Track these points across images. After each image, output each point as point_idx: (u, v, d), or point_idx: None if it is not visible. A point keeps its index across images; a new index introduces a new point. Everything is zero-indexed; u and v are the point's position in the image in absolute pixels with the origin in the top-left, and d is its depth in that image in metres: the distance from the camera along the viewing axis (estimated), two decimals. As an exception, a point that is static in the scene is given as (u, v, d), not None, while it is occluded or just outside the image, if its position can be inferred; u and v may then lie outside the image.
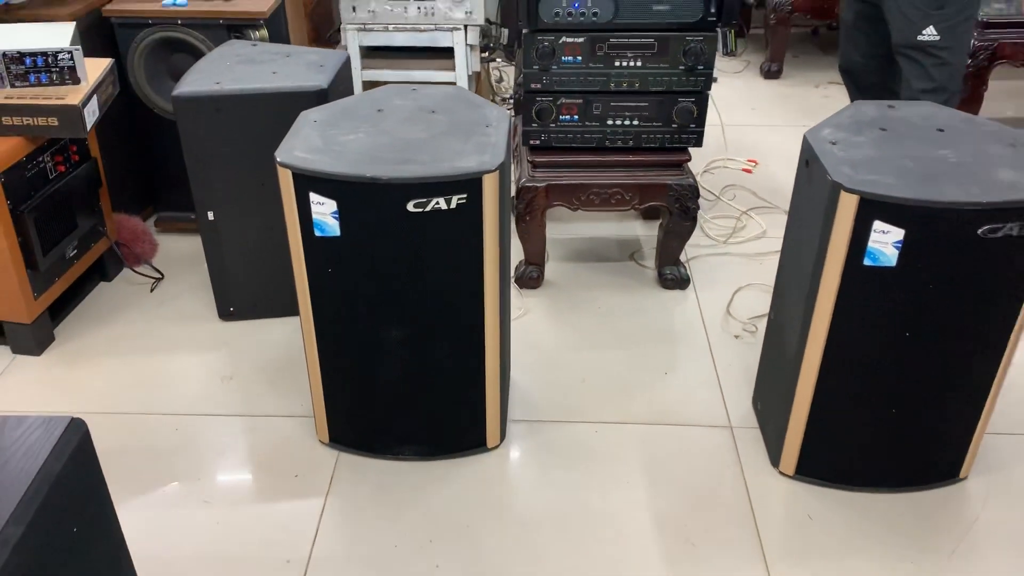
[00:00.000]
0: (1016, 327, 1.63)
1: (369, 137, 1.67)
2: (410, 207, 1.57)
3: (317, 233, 1.63)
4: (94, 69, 2.16)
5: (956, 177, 1.53)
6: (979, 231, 1.49)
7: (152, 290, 2.48)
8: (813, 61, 4.19)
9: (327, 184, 1.57)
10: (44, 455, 1.16)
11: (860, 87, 2.58)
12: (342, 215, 1.60)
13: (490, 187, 1.58)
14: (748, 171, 3.10)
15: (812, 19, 4.05)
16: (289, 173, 1.59)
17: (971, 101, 2.92)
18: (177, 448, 1.94)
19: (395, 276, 1.67)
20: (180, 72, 2.47)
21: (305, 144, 1.65)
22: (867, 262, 1.55)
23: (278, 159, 1.60)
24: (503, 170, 1.60)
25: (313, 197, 1.59)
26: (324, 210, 1.60)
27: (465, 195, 1.57)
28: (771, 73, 3.94)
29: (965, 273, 1.55)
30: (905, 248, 1.52)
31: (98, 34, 2.44)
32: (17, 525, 1.04)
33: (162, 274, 2.52)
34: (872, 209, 1.50)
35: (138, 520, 1.74)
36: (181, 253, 2.63)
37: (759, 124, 3.50)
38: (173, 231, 2.74)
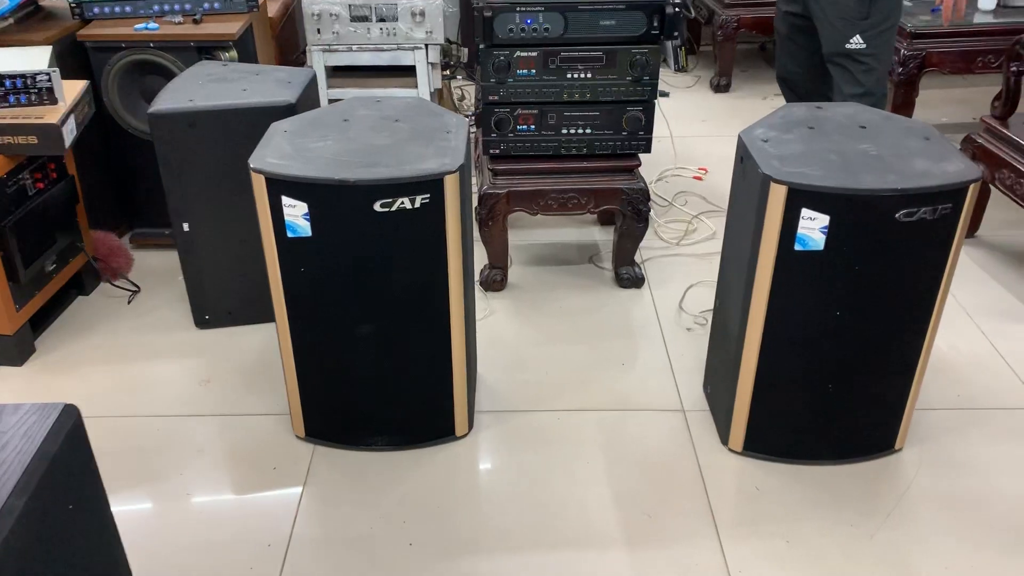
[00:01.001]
0: (936, 304, 1.78)
1: (337, 144, 1.79)
2: (377, 207, 1.69)
3: (289, 234, 1.74)
4: (71, 90, 2.26)
5: (875, 167, 1.68)
6: (896, 215, 1.64)
7: (129, 302, 2.57)
8: (760, 74, 4.38)
9: (298, 187, 1.69)
10: (41, 437, 1.25)
11: (797, 94, 2.74)
12: (313, 216, 1.71)
13: (451, 187, 1.71)
14: (699, 178, 3.26)
15: (757, 35, 4.25)
16: (262, 178, 1.70)
17: (904, 107, 3.11)
18: (159, 447, 2.03)
19: (364, 273, 1.79)
20: (152, 93, 2.58)
21: (276, 151, 1.76)
22: (797, 247, 1.70)
23: (251, 165, 1.71)
24: (463, 171, 1.73)
25: (285, 200, 1.71)
26: (295, 212, 1.72)
27: (428, 195, 1.70)
28: (720, 87, 4.13)
29: (887, 254, 1.70)
30: (831, 233, 1.67)
31: (73, 58, 2.54)
32: (19, 497, 1.14)
33: (138, 287, 2.61)
34: (799, 198, 1.65)
35: (124, 513, 1.82)
36: (156, 267, 2.72)
37: (709, 135, 3.67)
38: (148, 246, 2.83)
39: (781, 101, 3.98)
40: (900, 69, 3.06)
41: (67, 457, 1.31)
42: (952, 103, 3.88)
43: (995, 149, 2.61)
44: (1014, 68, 2.56)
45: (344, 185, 1.67)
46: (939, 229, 1.69)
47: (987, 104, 2.73)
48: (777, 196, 1.66)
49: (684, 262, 2.75)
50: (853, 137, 1.80)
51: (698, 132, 3.68)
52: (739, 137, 1.84)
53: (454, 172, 1.70)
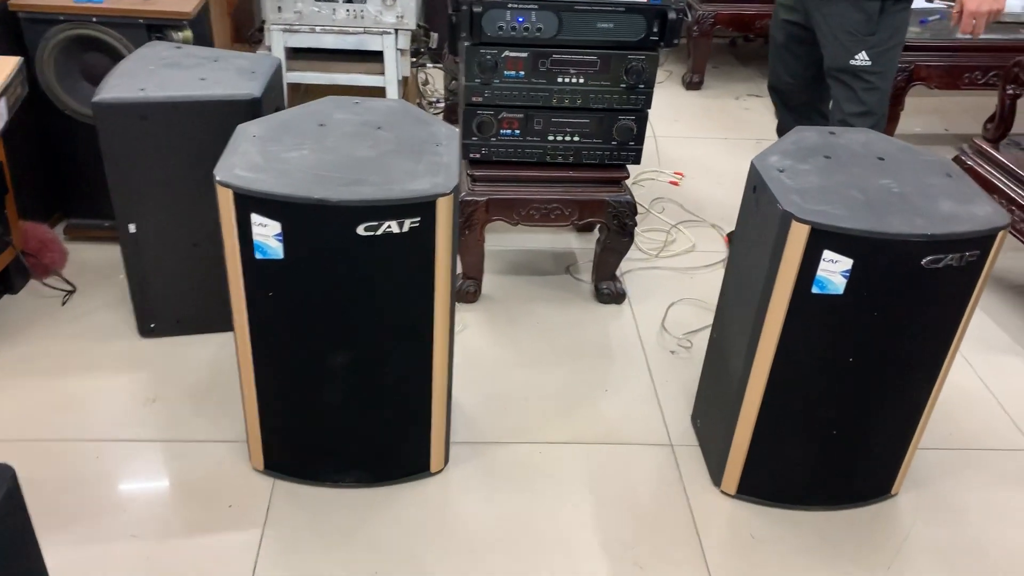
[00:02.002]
0: (950, 351, 1.69)
1: (313, 154, 1.60)
2: (360, 230, 1.51)
3: (258, 255, 1.55)
4: (2, 69, 2.00)
5: (901, 208, 1.57)
6: (923, 261, 1.53)
7: (64, 304, 2.32)
8: (732, 72, 4.27)
9: (270, 205, 1.50)
10: (-31, 508, 1.06)
11: (788, 106, 2.63)
12: (286, 237, 1.52)
13: (444, 210, 1.54)
14: (675, 183, 3.14)
15: (733, 31, 4.14)
16: (230, 193, 1.50)
17: (889, 120, 3.02)
18: (99, 477, 1.82)
19: (341, 300, 1.61)
20: (94, 72, 2.34)
21: (245, 161, 1.56)
22: (815, 290, 1.58)
23: (217, 178, 1.51)
24: (457, 192, 1.56)
25: (255, 218, 1.51)
26: (267, 232, 1.52)
27: (419, 219, 1.52)
28: (692, 84, 4.00)
29: (908, 301, 1.59)
30: (852, 277, 1.55)
31: (3, 30, 2.27)
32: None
33: (74, 287, 2.37)
34: (822, 239, 1.53)
35: (61, 558, 1.62)
36: (94, 263, 2.48)
37: (683, 136, 3.55)
38: (84, 239, 2.57)
39: (755, 102, 3.90)
40: (887, 82, 2.97)
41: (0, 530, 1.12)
42: (925, 113, 3.83)
43: (985, 173, 2.55)
44: (1010, 90, 2.48)
45: (324, 205, 1.48)
46: (963, 276, 1.59)
47: (960, 116, 2.65)
48: (798, 236, 1.54)
49: (664, 276, 2.62)
50: (872, 170, 1.69)
51: (672, 132, 3.55)
52: (752, 165, 1.71)
53: (448, 194, 1.53)
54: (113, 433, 1.93)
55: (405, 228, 1.53)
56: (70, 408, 1.99)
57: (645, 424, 2.06)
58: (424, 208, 1.52)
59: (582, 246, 2.73)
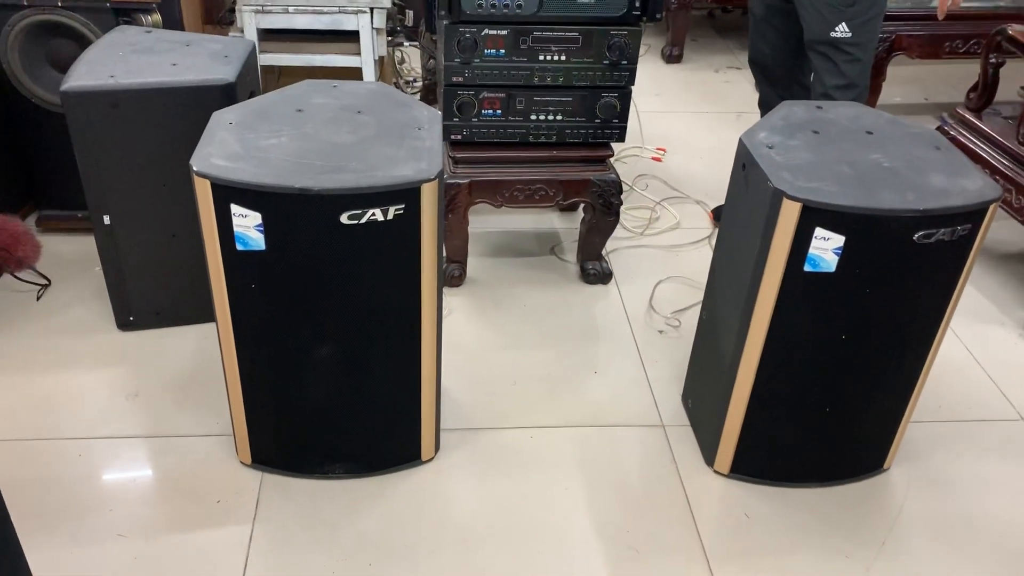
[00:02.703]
0: (942, 323, 1.68)
1: (293, 142, 1.56)
2: (344, 219, 1.47)
3: (239, 247, 1.51)
4: (-36, 57, 1.94)
5: (892, 183, 1.55)
6: (915, 237, 1.52)
7: (39, 298, 2.27)
8: (711, 44, 4.24)
9: (250, 195, 1.45)
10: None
11: (769, 79, 2.60)
12: (267, 228, 1.48)
13: (429, 196, 1.50)
14: (658, 159, 3.11)
15: (711, 3, 4.10)
16: (208, 183, 1.45)
17: (871, 91, 3.01)
18: (83, 477, 1.78)
19: (326, 290, 1.57)
20: (60, 59, 2.27)
21: (223, 150, 1.52)
22: (807, 268, 1.56)
23: (194, 168, 1.46)
24: (441, 177, 1.52)
25: (235, 209, 1.47)
26: (247, 223, 1.48)
27: (403, 206, 1.49)
28: (672, 57, 3.96)
29: (900, 277, 1.58)
30: (844, 254, 1.53)
31: (-36, 15, 2.19)
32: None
33: (49, 280, 2.31)
34: (814, 216, 1.51)
35: (46, 560, 1.59)
36: (68, 255, 2.42)
37: (664, 111, 3.51)
38: (57, 231, 2.51)
39: (734, 74, 3.87)
40: (868, 52, 2.94)
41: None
42: (904, 82, 3.82)
43: (968, 143, 2.54)
44: (993, 59, 2.47)
45: (306, 194, 1.44)
46: (954, 251, 1.57)
47: (938, 84, 2.64)
48: (789, 213, 1.51)
49: (650, 255, 2.60)
50: (861, 145, 1.67)
51: (653, 107, 3.51)
52: (740, 141, 1.68)
53: (432, 180, 1.49)
54: (95, 430, 1.89)
55: (390, 216, 1.49)
56: (49, 406, 1.94)
57: (635, 405, 2.04)
58: (408, 195, 1.48)
59: (566, 226, 2.70)
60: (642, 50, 4.09)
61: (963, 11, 2.97)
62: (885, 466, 1.90)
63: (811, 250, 1.54)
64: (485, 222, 2.69)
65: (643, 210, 2.80)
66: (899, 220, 1.50)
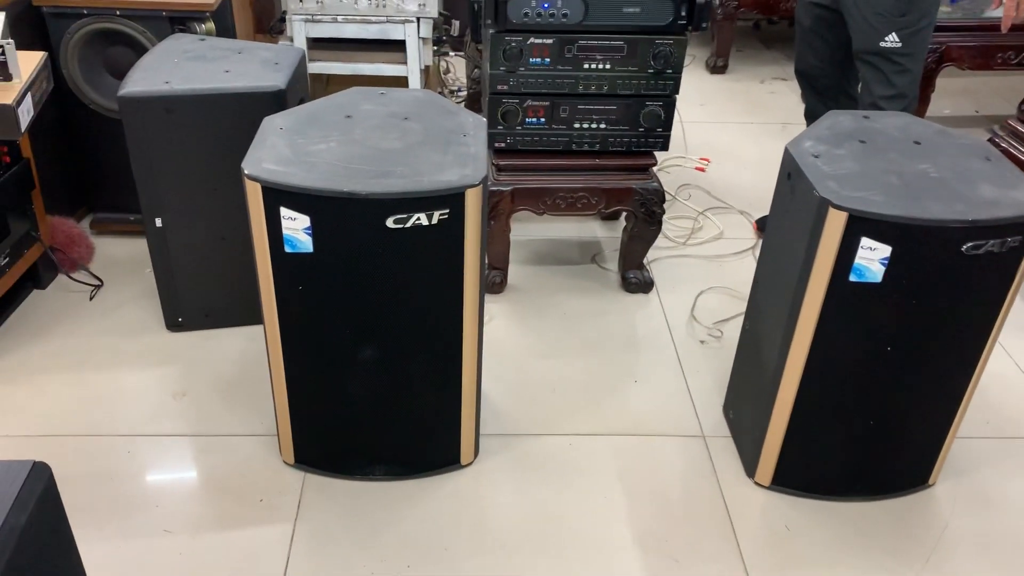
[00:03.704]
0: (990, 339, 1.65)
1: (341, 147, 1.58)
2: (389, 223, 1.49)
3: (287, 249, 1.54)
4: (27, 64, 2.00)
5: (940, 193, 1.53)
6: (963, 248, 1.50)
7: (91, 298, 2.33)
8: (756, 55, 4.21)
9: (300, 199, 1.48)
10: (7, 507, 1.06)
11: (816, 89, 2.58)
12: (315, 231, 1.51)
13: (473, 202, 1.52)
14: (701, 169, 3.10)
15: (757, 14, 4.08)
16: (258, 187, 1.49)
17: (920, 102, 2.97)
18: (132, 473, 1.82)
19: (371, 293, 1.59)
20: (118, 66, 2.33)
21: (273, 155, 1.55)
22: (853, 278, 1.55)
23: (245, 171, 1.50)
24: (485, 183, 1.54)
25: (284, 212, 1.50)
26: (296, 225, 1.51)
27: (447, 210, 1.51)
28: (717, 68, 3.95)
29: (947, 288, 1.56)
30: (891, 264, 1.52)
31: (28, 25, 2.26)
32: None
33: (101, 281, 2.37)
34: (860, 226, 1.49)
35: (95, 553, 1.62)
36: (120, 257, 2.49)
37: (709, 121, 3.50)
38: (110, 233, 2.58)
39: (779, 85, 3.85)
40: (917, 63, 2.91)
41: (37, 528, 1.11)
42: (954, 95, 3.76)
43: (1020, 155, 2.49)
44: (1047, 71, 2.42)
45: (353, 198, 1.47)
46: (1004, 263, 1.55)
47: (990, 97, 2.60)
48: (835, 223, 1.50)
49: (692, 264, 2.59)
50: (909, 155, 1.65)
51: (697, 117, 3.50)
52: (786, 150, 1.67)
53: (477, 185, 1.51)
54: (144, 428, 1.93)
55: (434, 220, 1.51)
56: (100, 403, 1.99)
57: (676, 415, 2.04)
58: (453, 200, 1.50)
59: (608, 235, 2.70)
60: (687, 61, 4.09)
61: (1014, 22, 2.91)
62: (930, 481, 1.87)
63: (857, 260, 1.53)
64: (527, 230, 2.70)
65: (686, 220, 2.79)
66: (947, 230, 1.48)
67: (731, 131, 3.40)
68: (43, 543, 1.12)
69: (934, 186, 1.55)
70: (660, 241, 2.65)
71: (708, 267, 2.58)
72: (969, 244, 1.50)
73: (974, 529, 1.78)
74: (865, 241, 1.51)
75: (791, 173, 1.65)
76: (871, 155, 1.64)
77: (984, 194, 1.54)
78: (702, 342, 2.28)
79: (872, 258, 1.52)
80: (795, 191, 1.63)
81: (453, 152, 1.59)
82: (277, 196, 1.49)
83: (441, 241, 1.54)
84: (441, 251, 1.56)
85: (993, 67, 2.98)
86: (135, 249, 2.48)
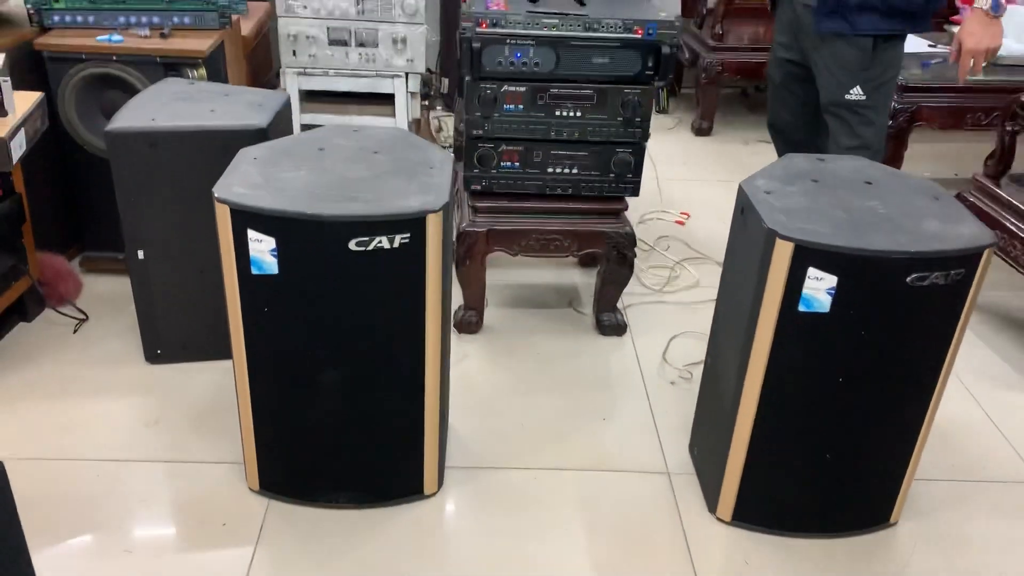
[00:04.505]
0: (943, 371, 1.68)
1: (311, 175, 1.65)
2: (352, 246, 1.55)
3: (254, 271, 1.60)
4: (23, 102, 2.09)
5: (885, 227, 1.58)
6: (908, 279, 1.54)
7: (75, 331, 2.38)
8: (742, 120, 4.33)
9: (266, 221, 1.54)
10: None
11: (788, 143, 2.66)
12: (281, 253, 1.57)
13: (434, 227, 1.58)
14: (681, 223, 3.17)
15: (741, 80, 4.21)
16: (227, 209, 1.55)
17: (893, 161, 3.05)
18: (97, 495, 1.84)
19: (334, 316, 1.64)
20: (113, 109, 2.41)
21: (244, 180, 1.62)
22: (802, 308, 1.59)
23: (216, 195, 1.57)
24: (447, 211, 1.60)
25: (251, 234, 1.56)
26: (262, 247, 1.57)
27: (408, 235, 1.56)
28: (702, 130, 4.06)
29: (895, 319, 1.60)
30: (838, 295, 1.56)
31: (28, 67, 2.37)
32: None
33: (86, 315, 2.43)
34: (806, 256, 1.54)
35: (55, 571, 1.65)
36: (107, 294, 2.54)
37: (691, 179, 3.59)
38: (99, 271, 2.64)
39: (764, 147, 3.93)
40: (890, 122, 3.00)
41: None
42: (934, 158, 3.85)
43: (987, 209, 2.55)
44: (1009, 127, 2.50)
45: (317, 220, 1.53)
46: (950, 296, 1.59)
47: (968, 160, 2.68)
48: (782, 253, 1.55)
49: (667, 310, 2.64)
50: (859, 193, 1.71)
51: (679, 176, 3.59)
52: (740, 187, 1.74)
53: (437, 211, 1.57)
54: (113, 454, 1.96)
55: (395, 244, 1.57)
56: (73, 429, 2.03)
57: (642, 452, 2.05)
58: (414, 224, 1.56)
59: (585, 280, 2.75)
60: (672, 123, 4.23)
61: (986, 84, 3.01)
62: (892, 520, 1.87)
63: (805, 290, 1.57)
64: (507, 275, 2.76)
65: (663, 269, 2.84)
66: (890, 262, 1.53)
67: (713, 188, 3.48)
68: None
69: (880, 221, 1.61)
70: (637, 288, 2.71)
71: (683, 313, 2.62)
72: (914, 276, 1.54)
73: (934, 568, 1.78)
74: (812, 271, 1.55)
75: (744, 208, 1.71)
76: (821, 193, 1.70)
77: (928, 228, 1.59)
78: (672, 383, 2.31)
79: (819, 288, 1.57)
80: (747, 225, 1.68)
81: (418, 182, 1.66)
82: (245, 218, 1.55)
83: (403, 266, 1.60)
84: (403, 276, 1.61)
85: (963, 127, 3.07)
86: (122, 287, 2.52)
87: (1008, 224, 2.48)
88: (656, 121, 4.19)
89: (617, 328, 2.47)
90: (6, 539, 1.20)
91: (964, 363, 2.42)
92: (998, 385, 2.35)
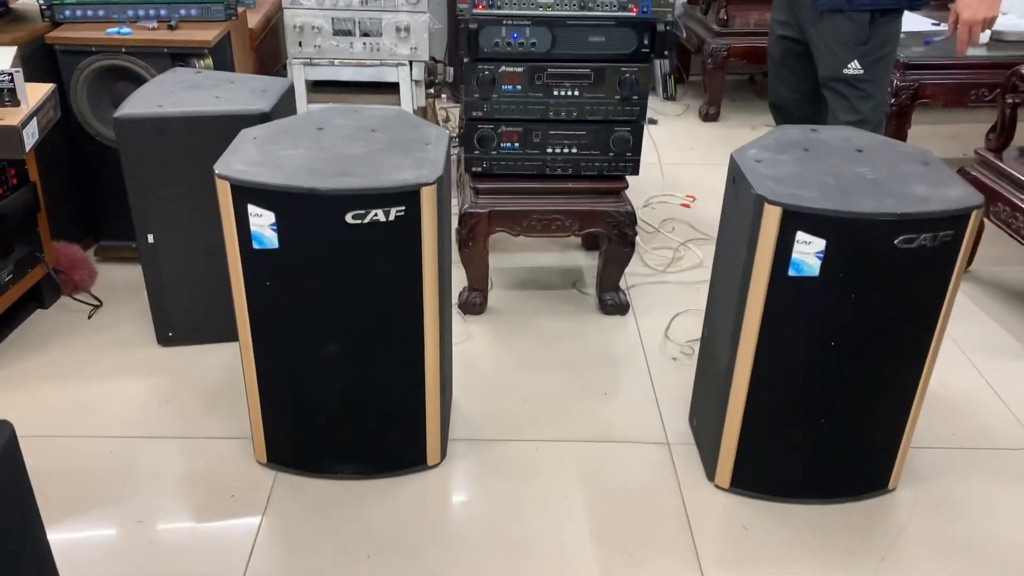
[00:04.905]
0: (935, 334, 1.69)
1: (309, 152, 1.70)
2: (348, 219, 1.59)
3: (255, 246, 1.64)
4: (35, 93, 2.16)
5: (873, 191, 1.60)
6: (895, 241, 1.56)
7: (90, 317, 2.45)
8: (749, 105, 4.34)
9: (265, 196, 1.59)
10: (-34, 455, 1.14)
11: (788, 120, 2.67)
12: (280, 227, 1.61)
13: (428, 200, 1.61)
14: (686, 206, 3.19)
15: (747, 65, 4.22)
16: (227, 185, 1.60)
17: (897, 139, 3.05)
18: (111, 470, 1.90)
19: (333, 289, 1.68)
20: (122, 100, 2.48)
21: (244, 158, 1.67)
22: (791, 273, 1.61)
23: (216, 171, 1.61)
24: (441, 184, 1.64)
25: (251, 209, 1.61)
26: (262, 222, 1.61)
27: (403, 207, 1.60)
28: (709, 116, 4.08)
29: (884, 282, 1.61)
30: (827, 259, 1.58)
31: (41, 61, 2.44)
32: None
33: (100, 301, 2.49)
34: (794, 220, 1.57)
35: (69, 542, 1.70)
36: (121, 281, 2.61)
37: (698, 163, 3.61)
38: (114, 260, 2.71)
39: (770, 131, 3.95)
40: (893, 100, 3.01)
41: None
42: (943, 139, 3.84)
43: (990, 182, 2.55)
44: (1010, 100, 2.50)
45: (314, 194, 1.57)
46: (939, 258, 1.61)
47: (978, 140, 2.68)
48: (771, 218, 1.58)
49: (670, 290, 2.66)
50: (849, 160, 1.73)
51: (686, 160, 3.62)
52: (731, 157, 1.76)
53: (431, 184, 1.61)
54: (127, 431, 2.02)
55: (391, 217, 1.61)
56: (88, 409, 2.09)
57: (643, 424, 2.08)
58: (408, 197, 1.60)
59: (589, 263, 2.78)
60: (680, 110, 4.25)
61: (987, 60, 3.01)
62: (890, 486, 1.89)
63: (794, 255, 1.60)
64: (512, 258, 2.79)
65: (668, 250, 2.87)
66: (878, 224, 1.55)
67: (719, 172, 3.44)
68: (2, 495, 1.20)
69: (869, 185, 1.63)
70: (641, 269, 2.74)
71: (686, 292, 2.64)
72: (901, 238, 1.56)
73: (932, 532, 1.79)
74: (800, 235, 1.58)
75: (735, 178, 1.73)
76: (812, 161, 1.72)
77: (916, 192, 1.61)
78: (674, 359, 2.33)
79: (808, 252, 1.59)
80: (738, 194, 1.71)
81: (413, 157, 1.70)
82: (244, 193, 1.59)
83: (398, 238, 1.64)
84: (399, 249, 1.65)
85: (967, 104, 3.07)
86: (136, 275, 2.57)
87: (1012, 197, 2.48)
88: (664, 107, 4.25)
89: (620, 307, 2.50)
90: (18, 498, 1.25)
91: (967, 335, 2.43)
92: (1000, 355, 2.36)
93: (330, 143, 1.74)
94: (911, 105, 3.04)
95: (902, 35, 3.07)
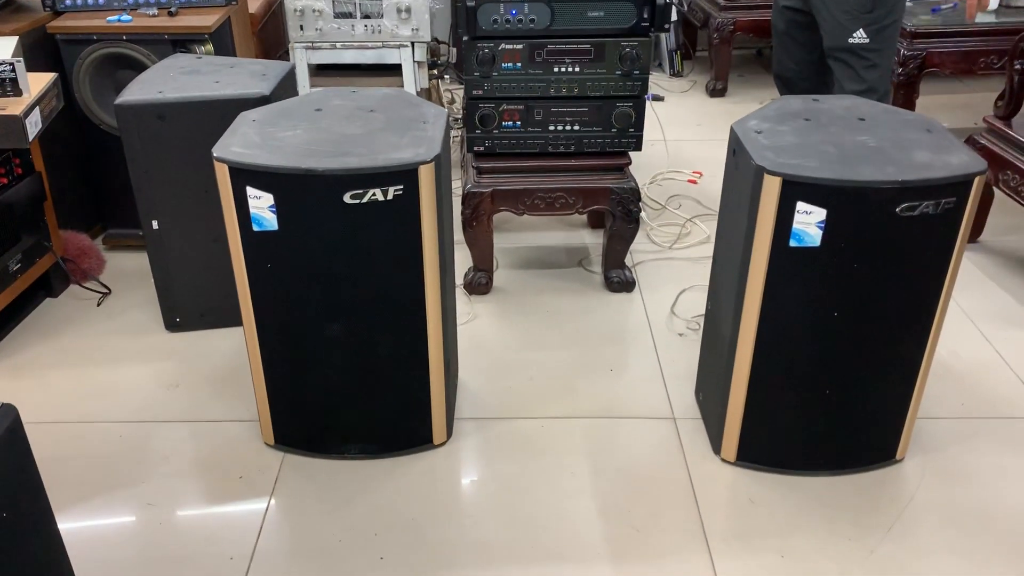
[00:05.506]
0: (939, 305, 1.68)
1: (307, 133, 1.70)
2: (347, 199, 1.59)
3: (255, 228, 1.65)
4: (37, 82, 2.17)
5: (874, 159, 1.59)
6: (897, 209, 1.55)
7: (99, 305, 2.47)
8: (757, 80, 4.30)
9: (263, 177, 1.59)
10: (-30, 439, 1.15)
11: (794, 92, 2.65)
12: (279, 209, 1.62)
13: (426, 178, 1.61)
14: (693, 182, 3.17)
15: (754, 39, 4.18)
16: (226, 168, 1.60)
17: (905, 108, 3.02)
18: (120, 454, 1.92)
19: (334, 269, 1.69)
20: (125, 87, 2.50)
21: (243, 140, 1.67)
22: (793, 243, 1.60)
23: (215, 155, 1.62)
24: (439, 162, 1.63)
25: (250, 191, 1.61)
26: (261, 204, 1.62)
27: (401, 186, 1.60)
28: (716, 91, 4.04)
29: (887, 251, 1.60)
30: (828, 228, 1.57)
31: (43, 51, 2.45)
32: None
33: (109, 289, 2.51)
34: (794, 190, 1.55)
35: (80, 525, 1.73)
36: (129, 268, 2.63)
37: (705, 139, 3.59)
38: (121, 247, 2.73)
39: (778, 106, 3.91)
40: (900, 70, 2.97)
41: (2, 461, 1.20)
42: (954, 108, 3.80)
43: (999, 150, 2.52)
44: (1018, 66, 2.47)
45: (312, 175, 1.57)
46: (942, 225, 1.59)
47: (989, 109, 2.65)
48: (771, 189, 1.57)
49: (677, 266, 2.65)
50: (851, 129, 1.71)
51: (693, 136, 3.59)
52: (731, 129, 1.75)
53: (429, 162, 1.61)
54: (136, 415, 2.04)
55: (389, 196, 1.61)
56: (98, 395, 2.11)
57: (649, 400, 2.08)
58: (407, 176, 1.60)
59: (595, 241, 2.78)
60: (687, 86, 4.22)
61: (996, 26, 2.97)
62: (898, 457, 1.88)
63: (795, 225, 1.58)
64: (517, 237, 2.79)
65: (674, 227, 2.85)
66: (879, 192, 1.53)
67: (725, 147, 3.47)
68: (7, 476, 1.22)
69: (869, 153, 1.61)
70: (647, 245, 2.73)
71: (692, 268, 2.63)
72: (903, 205, 1.55)
73: (940, 502, 1.79)
74: (800, 205, 1.56)
75: (735, 149, 1.72)
76: (813, 130, 1.71)
77: (917, 159, 1.59)
78: (680, 335, 2.33)
79: (809, 222, 1.58)
80: (738, 166, 1.70)
81: (411, 136, 1.69)
82: (243, 176, 1.60)
83: (398, 217, 1.64)
84: (398, 227, 1.65)
85: (975, 72, 3.03)
86: (143, 262, 2.59)
87: (1021, 165, 2.45)
88: (671, 84, 4.22)
89: (626, 284, 2.49)
90: (23, 482, 1.26)
91: (977, 304, 2.41)
92: (1011, 325, 2.34)
93: (328, 124, 1.74)
94: (919, 75, 3.00)
95: (909, 3, 3.04)
